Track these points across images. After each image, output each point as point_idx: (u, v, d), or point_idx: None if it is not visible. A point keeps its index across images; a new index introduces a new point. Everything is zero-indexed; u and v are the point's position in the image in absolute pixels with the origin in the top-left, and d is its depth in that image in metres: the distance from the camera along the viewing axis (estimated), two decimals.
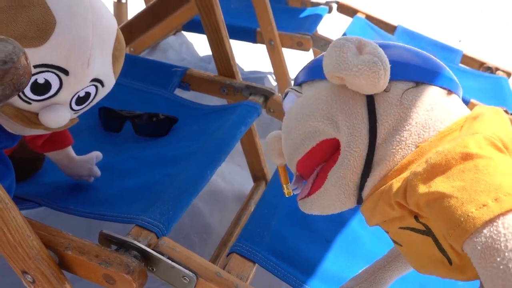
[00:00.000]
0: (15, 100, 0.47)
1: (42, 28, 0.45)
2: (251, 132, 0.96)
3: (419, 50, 0.45)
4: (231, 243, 0.90)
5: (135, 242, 0.50)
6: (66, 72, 0.47)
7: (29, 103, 0.48)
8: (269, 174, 1.09)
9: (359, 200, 0.43)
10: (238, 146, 0.95)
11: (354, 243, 0.66)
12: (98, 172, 0.67)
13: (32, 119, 0.48)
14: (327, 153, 0.43)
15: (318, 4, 1.71)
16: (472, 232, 0.32)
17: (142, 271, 0.50)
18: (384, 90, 0.40)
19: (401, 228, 0.41)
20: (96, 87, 0.52)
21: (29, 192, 0.63)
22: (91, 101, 0.53)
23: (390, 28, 1.62)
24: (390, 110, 0.40)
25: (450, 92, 0.43)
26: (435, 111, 0.41)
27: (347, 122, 0.41)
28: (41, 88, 0.47)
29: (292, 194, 0.49)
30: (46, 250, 0.48)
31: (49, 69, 0.46)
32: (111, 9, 1.42)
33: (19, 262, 0.47)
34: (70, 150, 0.65)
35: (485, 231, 0.31)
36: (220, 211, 1.07)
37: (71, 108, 0.51)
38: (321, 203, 0.44)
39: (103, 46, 0.50)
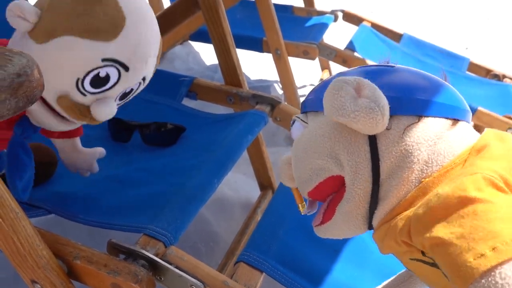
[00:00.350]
0: (73, 92, 0.50)
1: (114, 23, 0.48)
2: (258, 141, 0.97)
3: (424, 74, 0.44)
4: (238, 252, 0.90)
5: (143, 252, 0.51)
6: (127, 68, 0.50)
7: (85, 95, 0.50)
8: (276, 183, 1.09)
9: (370, 227, 0.44)
10: (244, 155, 0.95)
11: (362, 252, 0.65)
12: (97, 168, 0.68)
13: (83, 111, 0.51)
14: (334, 187, 0.44)
15: (323, 13, 1.72)
16: (471, 281, 0.32)
17: (150, 280, 0.50)
18: (386, 128, 0.41)
19: (411, 259, 0.41)
20: (140, 84, 0.55)
21: (40, 199, 0.63)
22: (131, 97, 0.56)
23: (396, 36, 1.62)
24: (392, 148, 0.41)
25: (456, 121, 0.42)
26: (438, 145, 0.41)
27: (350, 161, 0.41)
28: (100, 82, 0.50)
29: (307, 213, 0.51)
30: (55, 259, 0.49)
31: (114, 64, 0.49)
32: None
33: (29, 271, 0.47)
34: (78, 140, 0.67)
35: (483, 281, 0.32)
36: (226, 220, 1.07)
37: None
38: (333, 232, 0.46)
39: (156, 47, 0.53)
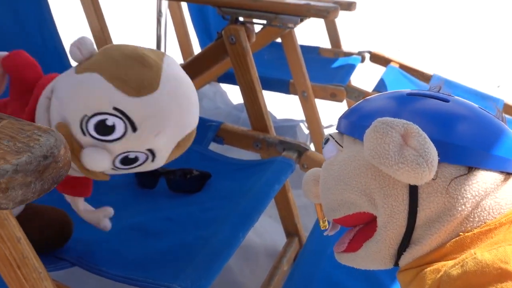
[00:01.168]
0: (75, 126, 0.50)
1: (144, 86, 0.48)
2: (284, 187, 0.94)
3: (483, 114, 0.40)
4: None
5: None
6: (134, 129, 0.49)
7: (84, 134, 0.50)
8: (303, 230, 1.05)
9: (396, 263, 0.41)
10: None
11: None
12: (107, 226, 0.64)
13: (74, 150, 0.50)
14: (363, 220, 0.42)
15: (350, 54, 1.72)
16: None
17: None
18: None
19: None
20: (147, 157, 0.52)
21: (64, 251, 0.63)
22: (134, 167, 0.53)
23: (425, 77, 1.59)
24: (434, 198, 0.37)
25: (509, 175, 0.39)
26: (484, 201, 0.37)
27: (386, 204, 0.38)
28: (104, 129, 0.49)
29: (328, 234, 0.48)
30: None
31: (123, 118, 0.48)
32: None
33: None
34: (78, 200, 0.64)
35: None
36: (250, 268, 1.03)
37: (114, 164, 0.52)
38: (356, 263, 0.43)
39: (176, 132, 0.52)
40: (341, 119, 0.45)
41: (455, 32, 3.18)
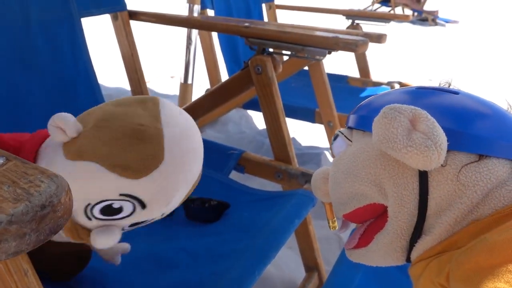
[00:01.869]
0: (78, 215, 0.45)
1: (147, 165, 0.43)
2: (305, 220, 0.91)
3: (492, 105, 0.40)
4: None
5: None
6: (144, 206, 0.45)
7: (90, 219, 0.45)
8: (323, 266, 1.01)
9: (408, 259, 0.40)
10: None
11: None
12: (118, 261, 0.62)
13: (82, 234, 0.46)
14: (374, 213, 0.41)
15: (379, 84, 1.70)
16: None
17: None
18: (440, 165, 0.36)
19: None
20: (160, 215, 0.49)
21: (77, 280, 0.62)
22: (144, 224, 0.50)
23: None
24: (444, 185, 0.37)
25: None
26: (496, 189, 0.36)
27: (396, 193, 0.38)
28: (111, 211, 0.45)
29: (337, 229, 0.48)
30: None
31: (131, 200, 0.44)
32: (174, 88, 1.50)
33: None
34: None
35: None
36: None
37: (123, 228, 0.48)
38: (368, 259, 0.42)
39: (186, 188, 0.48)
40: (350, 115, 0.44)
41: (488, 62, 3.09)
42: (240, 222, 0.78)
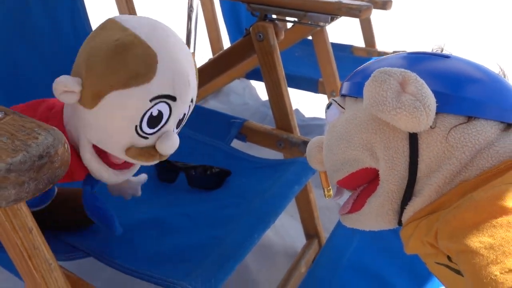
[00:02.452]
0: (136, 139, 0.51)
1: (149, 63, 0.48)
2: (306, 188, 0.93)
3: (482, 68, 0.40)
4: None
5: None
6: (174, 99, 0.50)
7: (147, 138, 0.51)
8: (323, 232, 1.03)
9: (400, 222, 0.42)
10: None
11: None
12: (139, 193, 0.69)
13: (151, 152, 0.52)
14: (366, 178, 0.42)
15: (385, 54, 1.66)
16: None
17: None
18: (430, 126, 0.37)
19: (437, 263, 0.39)
20: (190, 106, 0.55)
21: (80, 239, 0.64)
22: (185, 120, 0.57)
23: None
24: (433, 147, 0.38)
25: (508, 125, 0.38)
26: (484, 149, 0.37)
27: (386, 156, 0.39)
28: (155, 120, 0.50)
29: (332, 197, 0.49)
30: None
31: (161, 99, 0.49)
32: None
33: None
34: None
35: None
36: (268, 268, 1.02)
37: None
38: (361, 223, 0.44)
39: (192, 66, 0.53)
40: (344, 83, 0.45)
41: (496, 30, 3.02)
42: (240, 189, 0.79)
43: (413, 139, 0.38)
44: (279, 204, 0.72)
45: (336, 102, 0.45)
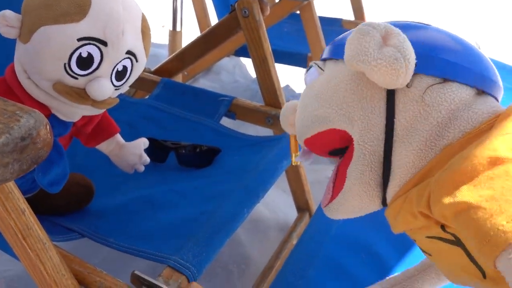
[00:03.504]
0: (64, 77, 0.53)
1: (81, 4, 0.51)
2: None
3: (458, 38, 0.41)
4: (270, 278, 0.88)
5: (165, 287, 0.50)
6: (104, 44, 0.52)
7: (76, 78, 0.53)
8: (314, 205, 1.06)
9: (384, 202, 0.41)
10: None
11: None
12: (147, 159, 0.72)
13: (81, 93, 0.54)
14: (333, 142, 0.42)
15: None
16: (504, 247, 0.28)
17: None
18: (406, 86, 0.38)
19: (428, 237, 0.38)
20: (131, 60, 0.57)
21: (74, 221, 0.65)
22: (129, 77, 0.58)
23: None
24: (410, 106, 0.38)
25: (482, 92, 0.39)
26: (461, 110, 0.37)
27: (362, 116, 0.39)
28: (85, 62, 0.52)
29: (298, 164, 0.49)
30: None
31: (90, 42, 0.52)
32: (166, 37, 1.47)
33: None
34: (119, 137, 0.71)
35: None
36: (261, 241, 1.05)
37: (113, 84, 0.56)
38: (345, 206, 0.42)
39: (133, 21, 0.55)
40: (325, 49, 0.45)
41: (490, 2, 3.00)
42: (230, 166, 0.80)
43: (390, 99, 0.38)
44: (268, 179, 0.74)
45: (317, 65, 0.45)
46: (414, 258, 0.65)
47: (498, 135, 0.33)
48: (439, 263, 0.41)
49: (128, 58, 0.56)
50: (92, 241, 0.63)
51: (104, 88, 0.54)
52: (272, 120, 0.92)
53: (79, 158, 0.74)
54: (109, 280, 0.51)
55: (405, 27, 0.40)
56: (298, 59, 1.39)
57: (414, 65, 0.36)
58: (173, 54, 1.11)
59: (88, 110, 0.58)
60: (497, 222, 0.29)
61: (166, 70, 1.07)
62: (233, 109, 0.95)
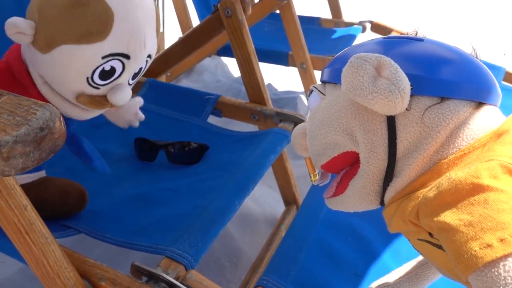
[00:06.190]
0: (86, 88, 0.54)
1: (104, 21, 0.50)
2: (282, 157, 0.97)
3: (454, 49, 0.42)
4: (261, 269, 0.91)
5: (164, 275, 0.52)
6: (127, 57, 0.53)
7: (98, 88, 0.54)
8: (300, 199, 1.09)
9: (382, 203, 0.44)
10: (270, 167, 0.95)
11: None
12: (142, 115, 0.75)
13: (102, 101, 0.56)
14: (348, 161, 0.44)
15: (351, 24, 1.71)
16: (475, 269, 0.32)
17: None
18: (406, 109, 0.39)
19: (419, 239, 0.41)
20: (147, 61, 0.58)
21: (72, 220, 0.67)
22: (142, 74, 0.60)
23: None
24: (410, 128, 0.39)
25: (481, 104, 0.41)
26: (458, 128, 0.39)
27: (366, 139, 0.41)
28: (107, 74, 0.53)
29: (319, 184, 0.51)
30: (81, 280, 0.51)
31: (114, 57, 0.52)
32: None
33: None
34: None
35: (486, 271, 0.31)
36: (251, 235, 1.08)
37: (128, 83, 0.57)
38: (345, 206, 0.46)
39: (151, 25, 0.56)
40: (324, 69, 0.46)
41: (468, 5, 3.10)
42: (219, 162, 0.83)
43: (391, 121, 0.39)
44: (256, 172, 0.76)
45: (317, 89, 0.46)
46: (396, 240, 0.69)
47: (484, 160, 0.35)
48: (431, 261, 0.44)
49: (146, 60, 0.57)
50: (88, 238, 0.64)
51: (125, 94, 0.55)
52: (257, 116, 0.95)
53: (71, 160, 0.75)
54: (110, 272, 0.53)
55: (398, 45, 0.42)
56: (280, 58, 1.43)
57: (409, 94, 0.38)
58: (157, 55, 1.12)
59: (95, 114, 0.60)
60: (471, 247, 0.32)
61: (150, 71, 1.09)
62: (219, 107, 0.97)
